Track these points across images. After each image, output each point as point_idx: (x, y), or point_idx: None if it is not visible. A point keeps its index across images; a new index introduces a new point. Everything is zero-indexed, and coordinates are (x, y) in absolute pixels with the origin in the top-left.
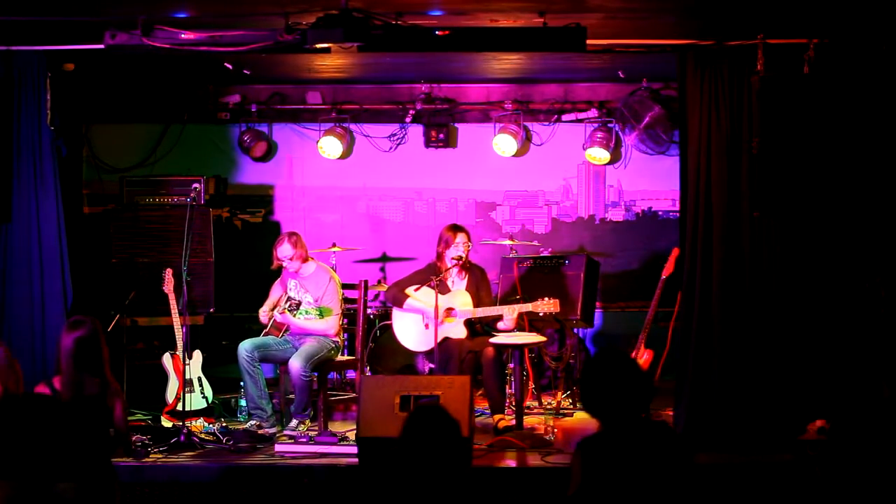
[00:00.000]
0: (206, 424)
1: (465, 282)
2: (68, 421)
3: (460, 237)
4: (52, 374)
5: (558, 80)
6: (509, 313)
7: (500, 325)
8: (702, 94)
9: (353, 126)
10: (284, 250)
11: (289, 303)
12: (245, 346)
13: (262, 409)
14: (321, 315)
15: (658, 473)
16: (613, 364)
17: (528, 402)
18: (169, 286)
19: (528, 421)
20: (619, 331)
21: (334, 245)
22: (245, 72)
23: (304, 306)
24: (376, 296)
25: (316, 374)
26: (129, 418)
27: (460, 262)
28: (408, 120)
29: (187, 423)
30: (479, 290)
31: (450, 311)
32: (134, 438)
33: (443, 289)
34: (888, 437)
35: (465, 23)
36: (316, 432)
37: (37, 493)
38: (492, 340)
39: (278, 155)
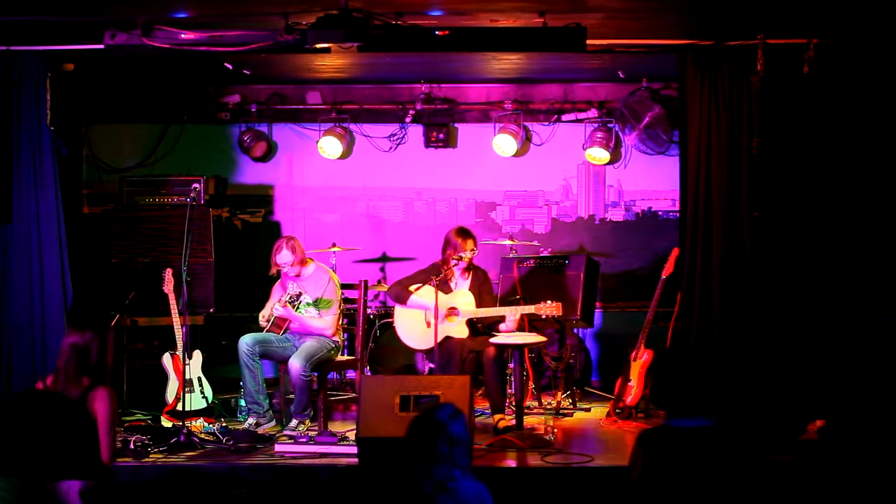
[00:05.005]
0: (206, 424)
1: (468, 282)
2: (64, 418)
3: (469, 244)
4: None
5: (558, 80)
6: (512, 314)
7: (503, 326)
8: (702, 94)
9: (353, 126)
10: (284, 256)
11: (289, 296)
12: (246, 340)
13: (258, 404)
14: (318, 307)
15: (717, 469)
16: (689, 360)
17: (528, 402)
18: (169, 286)
19: (528, 421)
20: (619, 331)
21: (334, 245)
22: (245, 72)
23: (304, 301)
24: (376, 296)
25: (316, 374)
26: (129, 419)
27: (461, 261)
28: (408, 120)
29: (187, 423)
30: (482, 291)
31: (452, 311)
32: (133, 438)
33: (445, 289)
34: (880, 436)
35: (465, 23)
36: (316, 432)
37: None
38: (492, 340)
39: (278, 155)
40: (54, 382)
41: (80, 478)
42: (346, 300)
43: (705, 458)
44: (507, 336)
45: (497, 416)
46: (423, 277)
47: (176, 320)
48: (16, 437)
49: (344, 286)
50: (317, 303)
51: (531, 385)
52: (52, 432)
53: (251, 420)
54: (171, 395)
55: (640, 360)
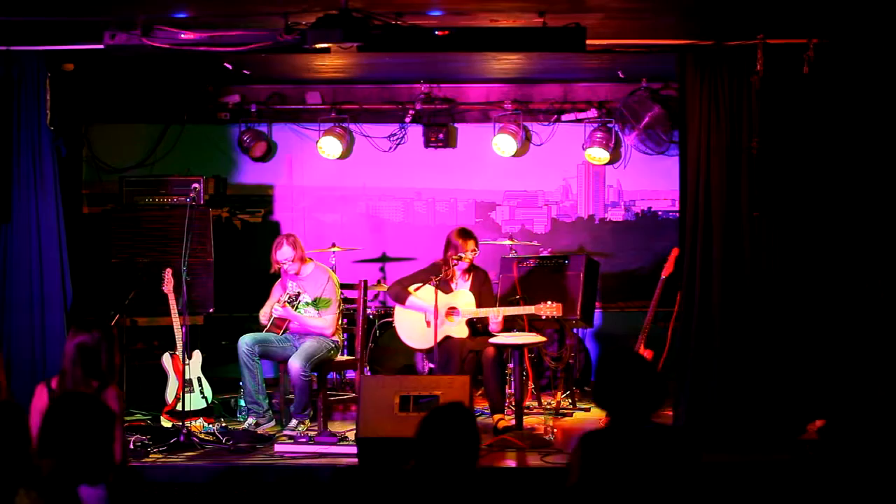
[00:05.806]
0: (205, 424)
1: (468, 283)
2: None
3: (471, 244)
4: (52, 373)
5: (558, 80)
6: (494, 316)
7: (491, 326)
8: (702, 94)
9: (352, 126)
10: (284, 253)
11: (288, 295)
12: (245, 340)
13: (258, 404)
14: (317, 306)
15: (659, 472)
16: (629, 361)
17: (527, 402)
18: (169, 286)
19: (528, 421)
20: (619, 331)
21: (334, 245)
22: (245, 72)
23: (303, 301)
24: (376, 296)
25: (315, 374)
26: (129, 419)
27: (461, 261)
28: (407, 120)
29: (187, 423)
30: (482, 291)
31: (452, 311)
32: (133, 438)
33: (446, 289)
34: (880, 436)
35: (465, 23)
36: (315, 432)
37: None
38: (492, 340)
39: (278, 155)
40: (61, 384)
41: (99, 479)
42: (345, 300)
43: (647, 460)
44: (506, 336)
45: (497, 417)
46: (423, 277)
47: (176, 320)
48: (55, 444)
49: (344, 286)
50: (316, 302)
51: (531, 385)
52: (86, 436)
53: (251, 420)
54: (170, 395)
55: None
